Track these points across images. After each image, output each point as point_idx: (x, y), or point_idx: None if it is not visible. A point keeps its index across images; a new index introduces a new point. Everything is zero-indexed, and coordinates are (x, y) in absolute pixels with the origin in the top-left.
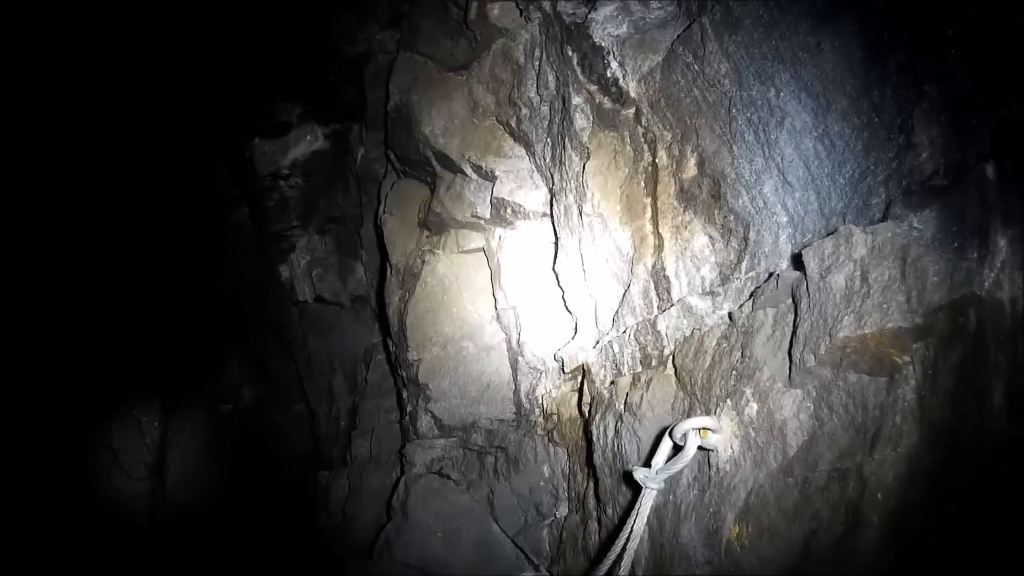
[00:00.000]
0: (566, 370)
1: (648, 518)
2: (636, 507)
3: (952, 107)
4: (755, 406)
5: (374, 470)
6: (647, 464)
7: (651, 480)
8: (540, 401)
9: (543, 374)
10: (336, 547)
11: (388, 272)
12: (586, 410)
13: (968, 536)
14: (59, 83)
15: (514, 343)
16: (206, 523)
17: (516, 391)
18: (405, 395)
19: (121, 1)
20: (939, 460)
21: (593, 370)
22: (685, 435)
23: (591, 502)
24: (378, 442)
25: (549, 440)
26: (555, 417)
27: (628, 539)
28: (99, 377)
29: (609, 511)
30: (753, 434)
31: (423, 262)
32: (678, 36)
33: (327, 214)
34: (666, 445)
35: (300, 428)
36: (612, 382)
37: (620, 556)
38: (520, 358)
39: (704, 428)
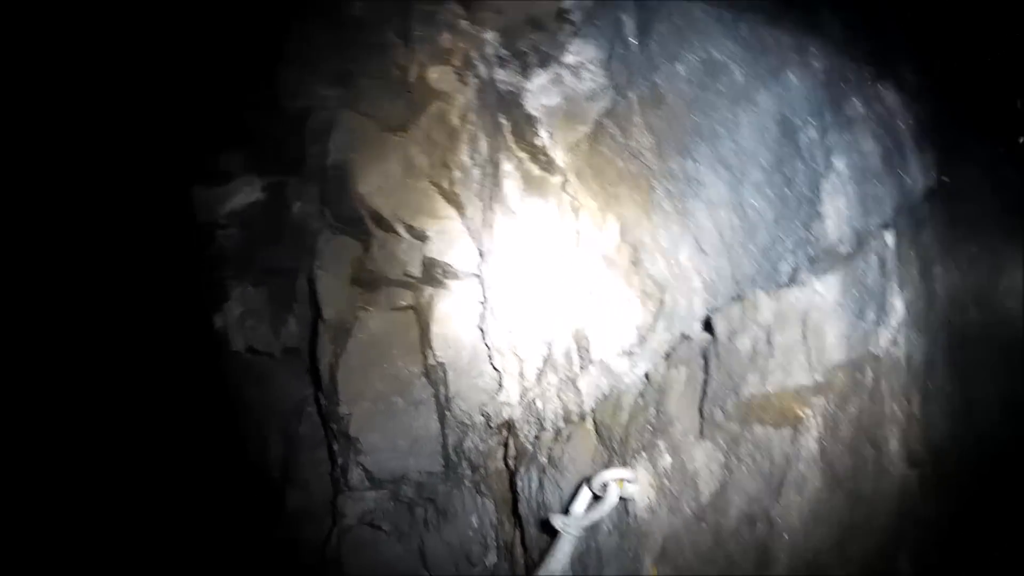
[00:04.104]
0: (492, 425)
1: (570, 563)
2: (551, 550)
3: (858, 178)
4: (669, 458)
5: (308, 522)
6: (566, 512)
7: (570, 527)
8: (467, 454)
9: (470, 428)
10: None
11: (320, 327)
12: (511, 463)
13: (869, 572)
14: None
15: (442, 398)
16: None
17: (444, 444)
18: (336, 448)
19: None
20: (840, 502)
21: (518, 425)
22: (604, 486)
23: (518, 550)
24: (311, 494)
25: (477, 492)
26: (482, 470)
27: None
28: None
29: (535, 558)
30: (668, 484)
31: (355, 318)
32: (605, 109)
33: (262, 265)
34: (585, 495)
35: (233, 477)
36: (536, 436)
37: None
38: (448, 412)
39: (621, 479)
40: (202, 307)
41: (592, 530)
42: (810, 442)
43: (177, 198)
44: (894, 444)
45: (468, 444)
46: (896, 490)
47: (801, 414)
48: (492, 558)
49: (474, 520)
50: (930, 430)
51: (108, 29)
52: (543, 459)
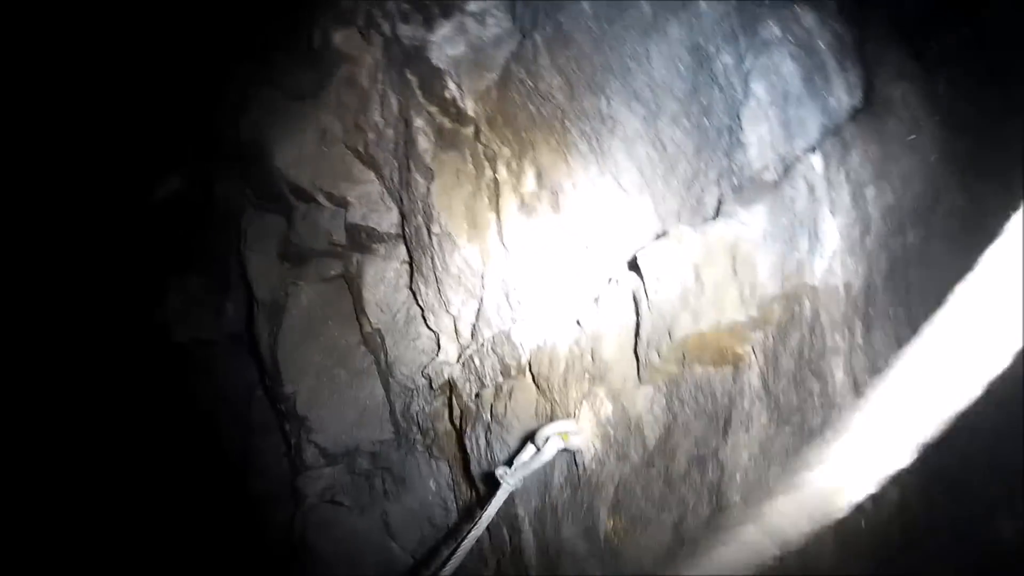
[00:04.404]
0: (434, 386)
1: (528, 519)
2: (489, 500)
3: (779, 102)
4: (610, 405)
5: (273, 507)
6: (510, 465)
7: (508, 476)
8: (415, 419)
9: (415, 392)
10: None
11: (255, 308)
12: (458, 423)
13: (824, 511)
14: None
15: (383, 364)
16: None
17: (392, 411)
18: (288, 428)
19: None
20: (789, 438)
21: (459, 384)
22: (547, 439)
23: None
24: (271, 478)
25: (430, 455)
26: (432, 432)
27: (472, 528)
28: None
29: None
30: (612, 432)
31: (287, 294)
32: (512, 53)
33: (194, 254)
34: (529, 450)
35: (192, 471)
36: (477, 394)
37: (459, 545)
38: (391, 378)
39: (564, 432)
40: (141, 305)
41: (545, 487)
42: (752, 379)
43: (99, 200)
44: (839, 375)
45: (415, 408)
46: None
47: (740, 351)
48: (455, 519)
49: (431, 484)
50: (876, 358)
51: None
52: (487, 416)
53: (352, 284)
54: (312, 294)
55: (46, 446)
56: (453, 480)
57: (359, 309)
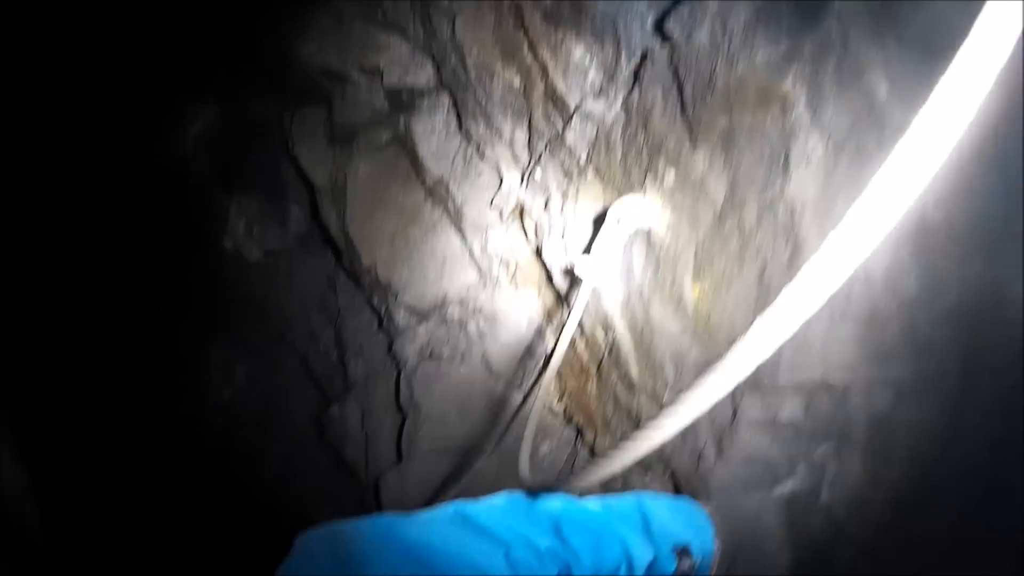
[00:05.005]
0: (504, 215)
1: (618, 312)
2: (574, 297)
3: None
4: (672, 172)
5: (376, 383)
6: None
7: (587, 265)
8: (495, 254)
9: (488, 228)
10: (371, 467)
11: (319, 198)
12: (534, 243)
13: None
14: None
15: (452, 212)
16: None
17: (471, 253)
18: (375, 300)
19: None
20: (848, 166)
21: (527, 204)
22: (617, 219)
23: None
24: (370, 355)
25: (516, 286)
26: (512, 263)
27: (563, 328)
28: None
29: None
30: (680, 199)
31: (345, 174)
32: None
33: (244, 172)
34: (602, 233)
35: (299, 378)
36: (545, 207)
37: (553, 350)
38: (463, 222)
39: (632, 209)
40: (206, 238)
41: (627, 274)
42: (801, 112)
43: (136, 146)
44: (882, 91)
45: (492, 245)
46: (894, 140)
47: (781, 87)
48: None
49: (523, 315)
50: (914, 64)
51: None
52: (560, 225)
53: (406, 144)
54: (369, 166)
55: (158, 382)
56: (542, 305)
57: (417, 166)
